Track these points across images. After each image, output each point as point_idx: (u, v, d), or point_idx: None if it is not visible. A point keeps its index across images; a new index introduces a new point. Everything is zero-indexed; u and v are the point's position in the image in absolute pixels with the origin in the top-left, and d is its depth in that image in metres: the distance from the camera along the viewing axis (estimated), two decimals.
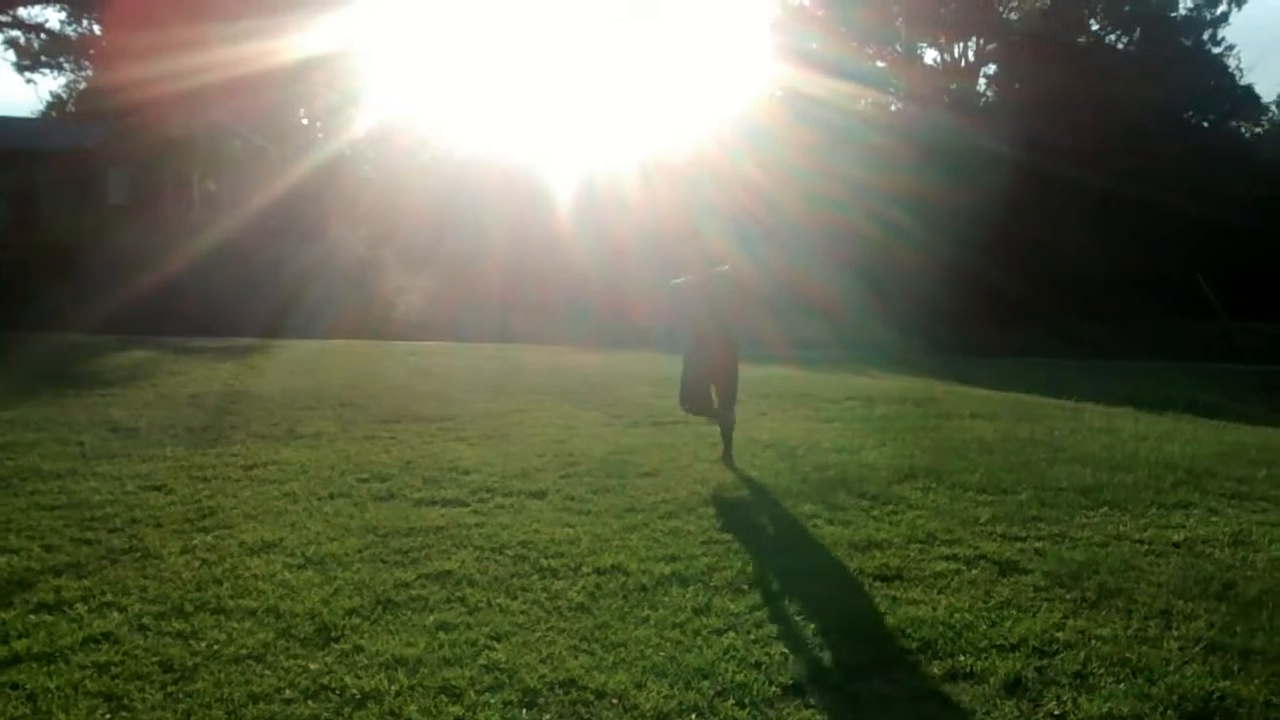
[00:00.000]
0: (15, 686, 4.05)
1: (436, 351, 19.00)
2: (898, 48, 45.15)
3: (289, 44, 24.48)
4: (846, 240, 31.07)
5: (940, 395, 14.05)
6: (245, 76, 23.54)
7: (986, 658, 4.49)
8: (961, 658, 4.49)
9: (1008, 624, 4.88)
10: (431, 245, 29.64)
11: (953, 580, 5.53)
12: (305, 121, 32.37)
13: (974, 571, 5.69)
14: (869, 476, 7.99)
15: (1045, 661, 4.46)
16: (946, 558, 5.92)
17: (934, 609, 5.06)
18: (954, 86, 43.32)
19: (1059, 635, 4.73)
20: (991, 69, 46.04)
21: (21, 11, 27.24)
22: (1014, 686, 4.22)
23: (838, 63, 39.11)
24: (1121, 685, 4.21)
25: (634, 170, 33.52)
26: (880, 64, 44.70)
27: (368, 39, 29.12)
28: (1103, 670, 4.36)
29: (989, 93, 46.10)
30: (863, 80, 40.70)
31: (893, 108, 42.86)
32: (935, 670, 4.38)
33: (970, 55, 45.27)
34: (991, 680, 4.27)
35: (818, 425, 10.81)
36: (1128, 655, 4.49)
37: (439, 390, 12.91)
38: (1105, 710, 3.98)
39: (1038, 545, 6.18)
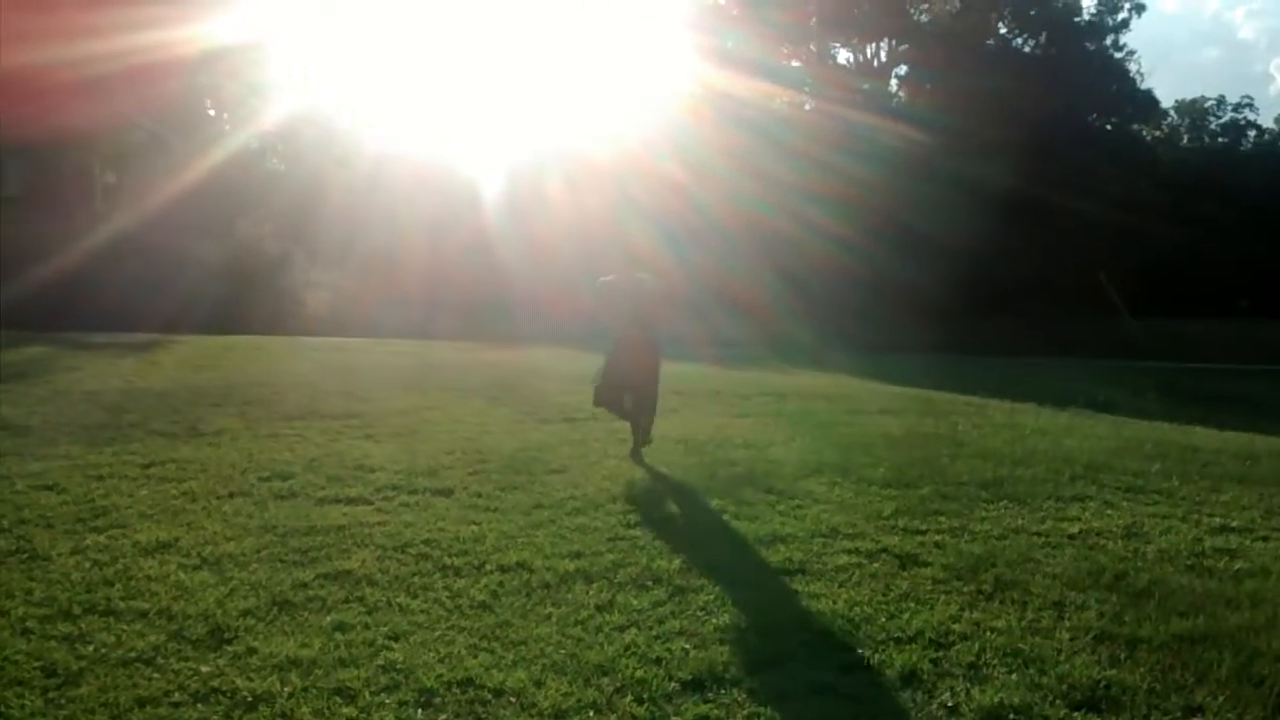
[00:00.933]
0: None
1: (347, 348, 18.70)
2: (812, 47, 45.73)
3: (195, 32, 23.89)
4: (767, 239, 31.40)
5: (851, 391, 14.27)
6: (149, 65, 22.89)
7: (884, 650, 4.55)
8: (859, 650, 4.55)
9: (905, 616, 4.95)
10: (345, 241, 29.18)
11: (854, 574, 5.60)
12: (212, 113, 31.60)
13: (875, 565, 5.77)
14: (776, 472, 8.07)
15: (941, 653, 4.53)
16: (849, 551, 6.00)
17: (834, 602, 5.12)
18: (866, 86, 43.96)
19: (955, 627, 4.82)
20: (903, 70, 46.90)
21: None
22: (909, 678, 4.28)
23: (753, 62, 39.44)
24: (1014, 676, 4.29)
25: (556, 168, 33.42)
26: (795, 63, 45.21)
27: (277, 28, 28.60)
28: (996, 661, 4.44)
29: (900, 93, 46.93)
30: (778, 79, 41.11)
31: (807, 107, 43.36)
32: (833, 662, 4.43)
33: (882, 56, 46.05)
34: (888, 672, 4.33)
35: (729, 421, 10.89)
36: (1020, 646, 4.59)
37: (348, 387, 12.71)
38: (997, 701, 4.05)
39: (938, 539, 6.30)
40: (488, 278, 29.34)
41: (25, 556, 5.58)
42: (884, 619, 4.92)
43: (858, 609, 5.03)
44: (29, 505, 6.62)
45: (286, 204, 29.61)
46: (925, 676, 4.30)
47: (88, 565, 5.46)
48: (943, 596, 5.26)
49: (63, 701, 3.91)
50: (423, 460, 8.29)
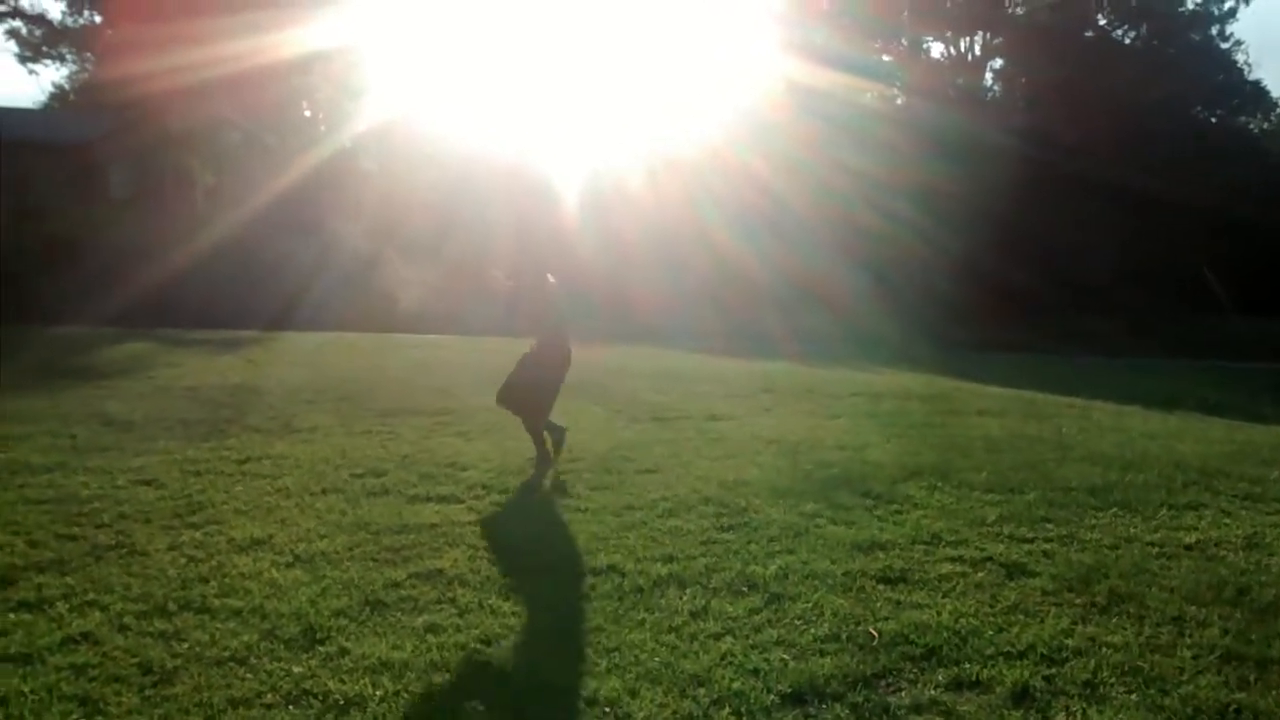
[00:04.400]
0: None
1: (438, 345, 18.86)
2: (903, 41, 44.95)
3: (292, 37, 24.35)
4: (852, 234, 30.92)
5: (947, 391, 13.91)
6: (247, 70, 23.42)
7: (993, 665, 4.33)
8: (967, 665, 4.34)
9: (1015, 630, 4.72)
10: (435, 239, 29.49)
11: (958, 583, 5.38)
12: (308, 114, 32.24)
13: (980, 574, 5.54)
14: (873, 475, 7.84)
15: (1054, 670, 4.30)
16: (952, 559, 5.77)
17: (939, 613, 4.91)
18: (960, 80, 43.10)
19: (1068, 642, 4.57)
20: (998, 63, 45.83)
21: (23, 1, 27.15)
22: (1021, 696, 4.07)
23: (843, 56, 38.90)
24: (1133, 696, 4.05)
25: (638, 165, 33.36)
26: (886, 58, 44.51)
27: (371, 32, 29.02)
28: (1114, 680, 4.20)
29: (995, 87, 45.89)
30: (868, 74, 40.50)
31: (898, 101, 42.67)
32: (940, 678, 4.23)
33: (976, 49, 45.05)
34: (998, 689, 4.12)
35: (821, 422, 10.66)
36: (1139, 664, 4.34)
37: (439, 385, 12.78)
38: None
39: (1046, 547, 6.03)
40: (571, 275, 29.41)
41: (124, 551, 5.64)
42: (992, 632, 4.70)
43: (963, 621, 4.82)
44: (129, 500, 6.72)
45: (378, 202, 30.07)
46: (1038, 695, 4.08)
47: (184, 561, 5.50)
48: (1053, 609, 5.01)
49: (158, 700, 3.90)
50: (513, 459, 8.25)
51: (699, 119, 36.51)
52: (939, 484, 7.63)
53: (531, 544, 5.89)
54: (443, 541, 5.92)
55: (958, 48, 45.37)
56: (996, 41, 44.37)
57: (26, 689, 3.92)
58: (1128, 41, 44.47)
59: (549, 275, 8.35)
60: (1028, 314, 31.09)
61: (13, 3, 26.77)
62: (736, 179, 32.22)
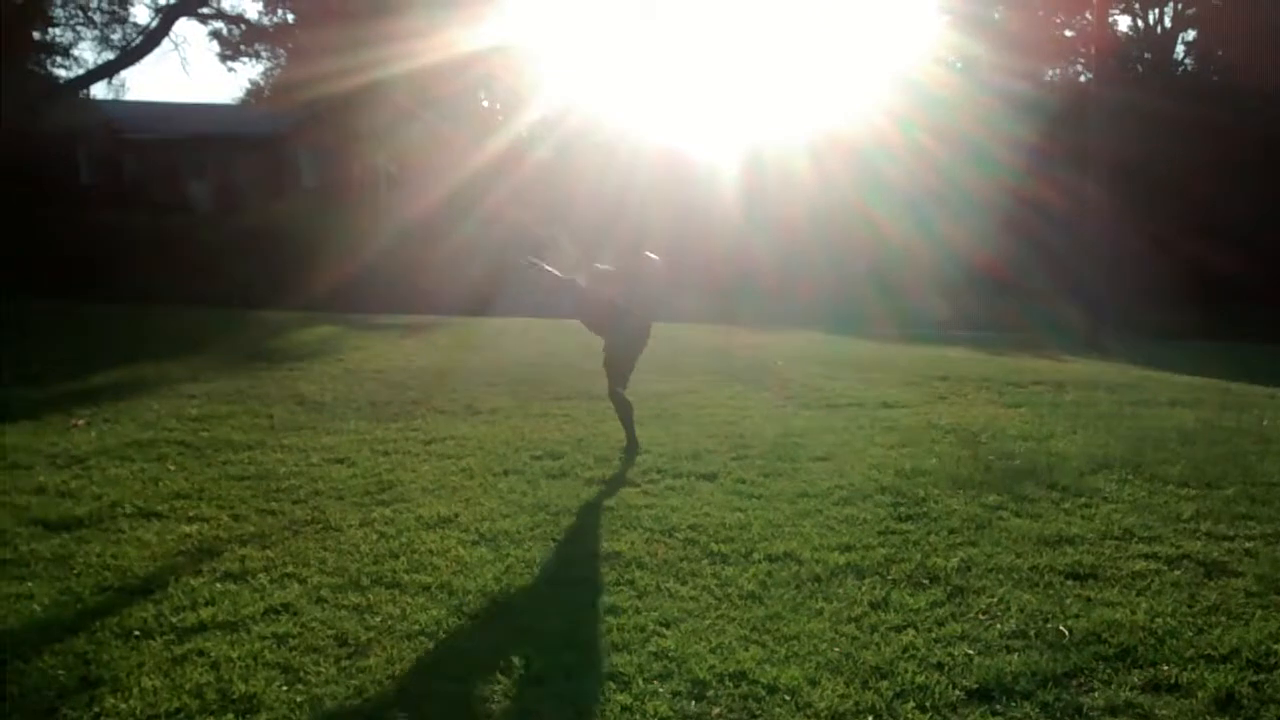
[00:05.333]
0: (201, 654, 4.19)
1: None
2: (1088, 15, 42.83)
3: (471, 31, 25.05)
4: (1031, 215, 29.73)
5: (1135, 380, 13.26)
6: (429, 63, 24.21)
7: (1193, 669, 4.13)
8: (1165, 667, 4.15)
9: (1217, 632, 4.49)
10: (603, 226, 29.90)
11: (1153, 581, 5.15)
12: (486, 104, 33.14)
13: (1176, 573, 5.28)
14: (1059, 466, 7.56)
15: (1261, 676, 4.07)
16: (1145, 556, 5.52)
17: (1133, 612, 4.70)
18: (1148, 55, 40.81)
19: (1276, 647, 4.32)
20: (1190, 35, 43.17)
21: (224, 2, 28.88)
22: (1226, 702, 3.87)
23: (1021, 33, 37.46)
24: None
25: (801, 146, 32.92)
26: (1069, 33, 42.58)
27: (546, 22, 29.60)
28: None
29: (1187, 60, 43.25)
30: (1049, 50, 38.87)
31: (1082, 78, 40.76)
32: (1135, 679, 4.06)
33: (1167, 21, 42.57)
34: (1200, 694, 3.93)
35: (1002, 411, 10.33)
36: None
37: None
38: None
39: (1248, 545, 5.70)
40: (734, 259, 29.29)
41: (319, 527, 5.95)
42: (1191, 633, 4.48)
43: (1159, 621, 4.61)
44: (323, 478, 7.08)
45: (552, 190, 30.67)
46: (1245, 702, 3.87)
47: (375, 537, 5.76)
48: (1259, 611, 4.74)
49: (354, 671, 4.10)
50: (685, 443, 8.31)
51: (866, 99, 35.78)
52: (1130, 477, 7.30)
53: (706, 529, 5.92)
54: (619, 524, 6.03)
55: (1146, 20, 43.00)
56: (1189, 13, 41.83)
57: (234, 655, 4.18)
58: None
59: (649, 253, 8.39)
60: (1224, 299, 29.28)
61: (216, 4, 28.44)
62: (907, 160, 31.44)
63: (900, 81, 35.49)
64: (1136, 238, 28.93)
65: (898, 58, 38.73)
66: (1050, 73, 40.12)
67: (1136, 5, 42.16)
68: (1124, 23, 43.24)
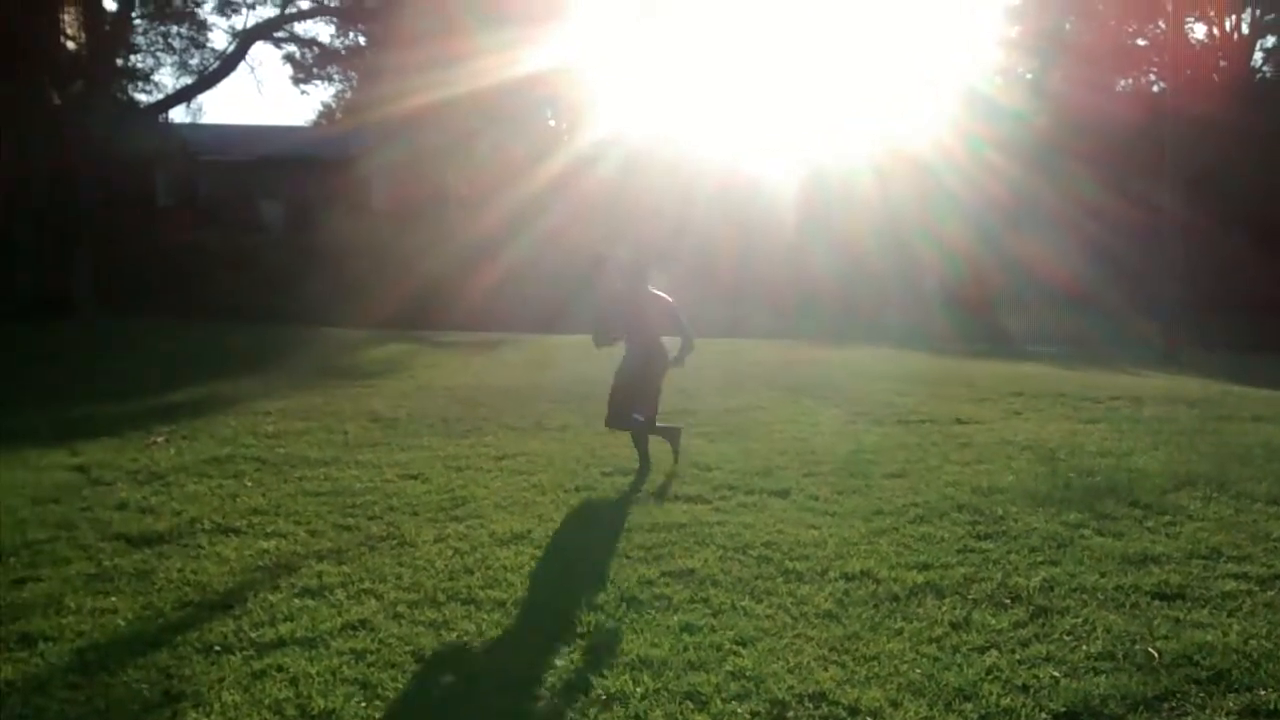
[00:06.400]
0: (280, 669, 4.23)
1: (672, 348, 19.05)
2: (1161, 24, 42.03)
3: (537, 51, 25.28)
4: (1104, 229, 29.16)
5: (1216, 395, 12.91)
6: (496, 83, 24.49)
7: None
8: (1262, 692, 4.01)
9: None
10: (668, 244, 29.94)
11: (1244, 602, 4.99)
12: (552, 123, 33.40)
13: (1269, 594, 5.12)
14: (1140, 483, 7.36)
15: None
16: (1235, 576, 5.36)
17: (1224, 634, 4.55)
18: (1224, 63, 39.87)
19: None
20: (1270, 41, 42.10)
21: (297, 27, 29.48)
22: None
23: (1093, 44, 36.87)
24: None
25: (865, 162, 32.68)
26: (1141, 42, 41.79)
27: (611, 41, 29.77)
28: None
29: (1265, 68, 42.17)
30: (1122, 60, 38.20)
31: (1154, 89, 39.96)
32: (1231, 704, 3.92)
33: (1244, 28, 41.58)
34: None
35: (1079, 426, 10.11)
36: None
37: (677, 385, 12.88)
38: None
39: None
40: (798, 276, 29.15)
41: (395, 543, 6.00)
42: None
43: (1254, 643, 4.45)
44: (397, 494, 7.14)
45: (614, 207, 30.79)
46: None
47: (450, 553, 5.78)
48: None
49: (430, 687, 4.12)
50: (757, 460, 8.25)
51: (932, 114, 35.43)
52: (1215, 494, 7.09)
53: (780, 546, 5.86)
54: (693, 541, 5.99)
55: (1222, 27, 42.05)
56: (1269, 19, 40.81)
57: (313, 670, 4.22)
58: None
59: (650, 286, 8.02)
60: None
61: (290, 29, 29.07)
62: (975, 174, 31.04)
63: (967, 95, 35.13)
64: (1214, 250, 28.26)
65: (964, 71, 38.35)
66: (1122, 83, 39.41)
67: (1212, 12, 41.27)
68: (1199, 30, 42.33)
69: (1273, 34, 41.43)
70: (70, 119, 23.66)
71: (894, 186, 30.94)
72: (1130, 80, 39.82)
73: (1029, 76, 37.97)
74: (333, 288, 22.83)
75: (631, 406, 7.86)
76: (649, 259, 8.29)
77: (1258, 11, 40.82)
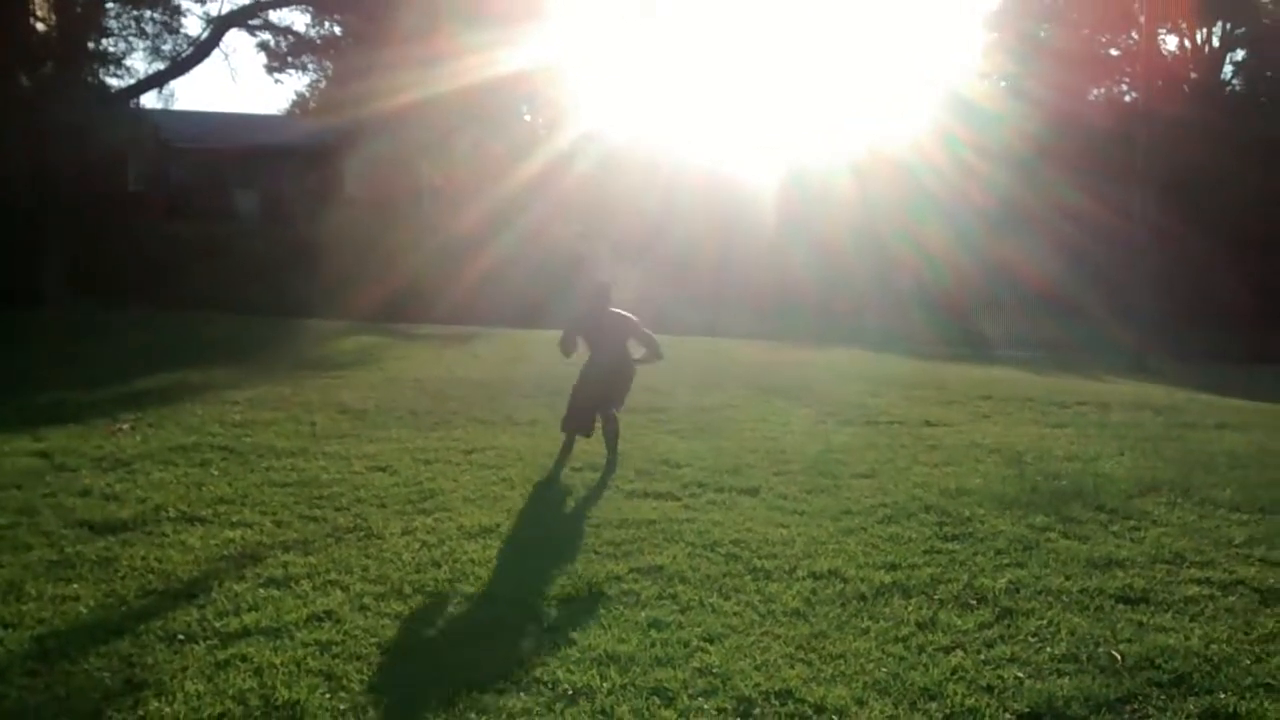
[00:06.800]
0: (244, 659, 4.18)
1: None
2: (1134, 35, 42.45)
3: (516, 48, 25.18)
4: (1079, 234, 29.41)
5: (1182, 403, 13.06)
6: (474, 78, 24.37)
7: (1252, 698, 4.03)
8: (1222, 695, 4.05)
9: (1275, 660, 4.39)
10: (643, 242, 29.94)
11: (1206, 607, 5.04)
12: (528, 119, 33.26)
13: (1231, 599, 5.17)
14: (1106, 488, 7.44)
15: None
16: (1198, 581, 5.42)
17: (1187, 638, 4.60)
18: (1194, 75, 40.31)
19: None
20: (1239, 55, 42.60)
21: (272, 15, 29.12)
22: None
23: (1067, 51, 37.19)
24: None
25: (844, 163, 32.81)
26: (1114, 52, 42.20)
27: (589, 40, 29.70)
28: None
29: (1235, 81, 42.68)
30: (1095, 69, 38.57)
31: (1127, 98, 40.35)
32: (1191, 708, 3.96)
33: (1214, 41, 42.05)
34: None
35: (1046, 431, 10.19)
36: None
37: (649, 382, 12.87)
38: None
39: None
40: (776, 276, 29.24)
41: (361, 534, 5.95)
42: (1248, 661, 4.38)
43: (1215, 648, 4.50)
44: (365, 485, 7.10)
45: (592, 205, 30.76)
46: None
47: (417, 546, 5.75)
48: None
49: (395, 679, 4.09)
50: (726, 458, 8.25)
51: (910, 116, 35.61)
52: (1179, 500, 7.17)
53: (749, 544, 5.86)
54: (661, 538, 5.98)
55: (1194, 40, 42.51)
56: (1239, 33, 41.30)
57: (277, 661, 4.17)
58: None
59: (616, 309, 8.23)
60: (1275, 319, 28.81)
61: (264, 16, 28.75)
62: (952, 177, 31.24)
63: (945, 98, 35.34)
64: (1185, 257, 28.56)
65: (942, 74, 38.59)
66: (1096, 91, 39.78)
67: (1184, 25, 41.71)
68: (1171, 42, 42.77)
69: (1242, 47, 41.94)
70: (40, 102, 23.32)
71: (872, 188, 31.08)
72: (1103, 90, 40.19)
73: (1003, 84, 38.26)
74: (305, 279, 22.68)
75: (596, 409, 8.08)
76: (608, 284, 8.37)
77: (1228, 25, 41.33)
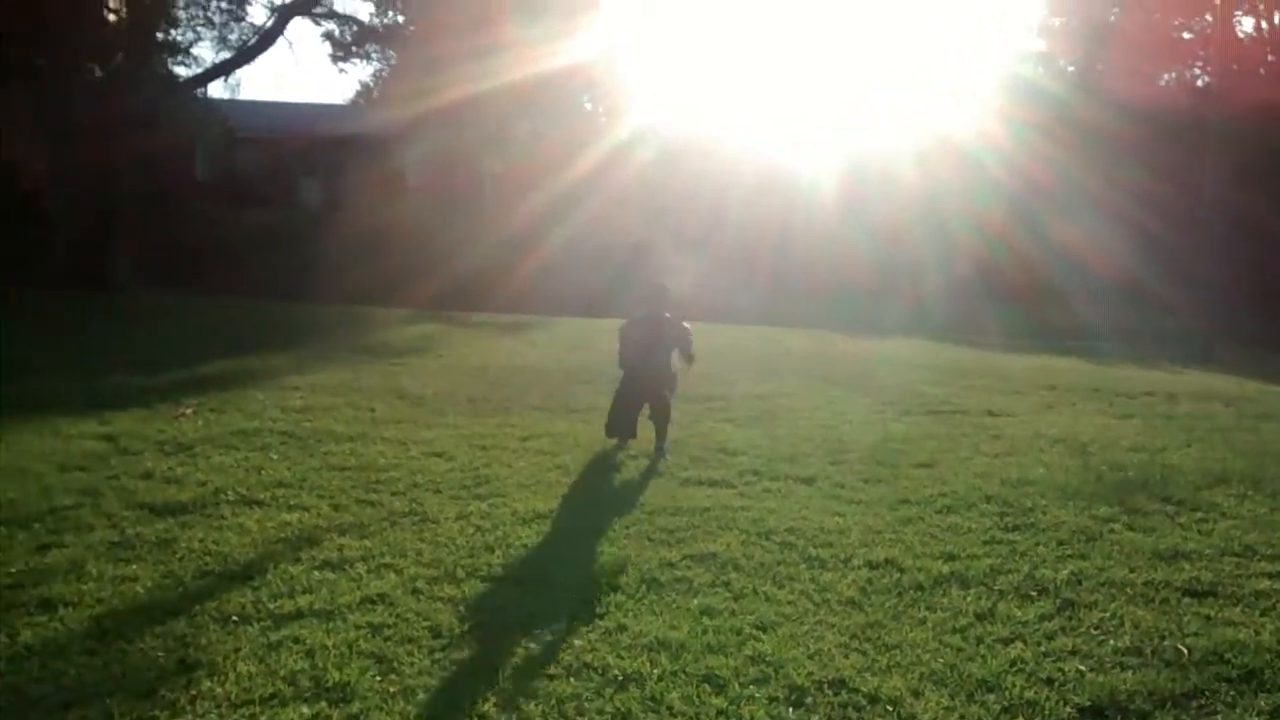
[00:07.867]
0: (296, 641, 4.21)
1: (703, 333, 18.98)
2: (1208, 17, 41.32)
3: (577, 37, 25.20)
4: (1146, 220, 28.71)
5: (1254, 394, 12.70)
6: (535, 69, 24.44)
7: None
8: None
9: None
10: (703, 230, 29.85)
11: (1278, 601, 4.88)
12: (589, 107, 33.28)
13: None
14: (1173, 479, 7.24)
15: None
16: (1269, 575, 5.26)
17: (1257, 633, 4.46)
18: (1271, 58, 39.14)
19: None
20: None
21: (336, 3, 29.52)
22: None
23: (1138, 36, 36.31)
24: None
25: (906, 150, 32.37)
26: (1187, 35, 41.12)
27: (649, 29, 29.73)
28: None
29: None
30: (1167, 53, 37.61)
31: (1199, 82, 39.30)
32: (1262, 704, 3.83)
33: None
34: None
35: (1112, 421, 9.96)
36: None
37: (706, 370, 12.81)
38: None
39: None
40: (837, 264, 28.96)
41: (416, 519, 5.98)
42: None
43: None
44: (421, 470, 7.13)
45: (652, 194, 30.70)
46: None
47: (471, 531, 5.76)
48: None
49: (447, 663, 4.09)
50: (783, 446, 8.18)
51: (974, 102, 35.05)
52: (1249, 492, 6.96)
53: (804, 533, 5.80)
54: (715, 525, 5.93)
55: (1271, 21, 41.26)
56: None
57: (330, 643, 4.19)
58: None
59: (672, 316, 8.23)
60: None
61: (329, 5, 29.09)
62: (1017, 163, 30.68)
63: (1009, 82, 34.72)
64: (1259, 243, 27.77)
65: (1007, 60, 37.92)
66: (1166, 76, 38.82)
67: (1261, 6, 40.52)
68: (1247, 24, 41.57)
69: None
70: (112, 92, 23.81)
71: (935, 175, 30.66)
72: (1174, 74, 39.20)
73: (1070, 68, 37.48)
74: (367, 267, 22.90)
75: (638, 413, 8.10)
76: (666, 286, 8.43)
77: None
